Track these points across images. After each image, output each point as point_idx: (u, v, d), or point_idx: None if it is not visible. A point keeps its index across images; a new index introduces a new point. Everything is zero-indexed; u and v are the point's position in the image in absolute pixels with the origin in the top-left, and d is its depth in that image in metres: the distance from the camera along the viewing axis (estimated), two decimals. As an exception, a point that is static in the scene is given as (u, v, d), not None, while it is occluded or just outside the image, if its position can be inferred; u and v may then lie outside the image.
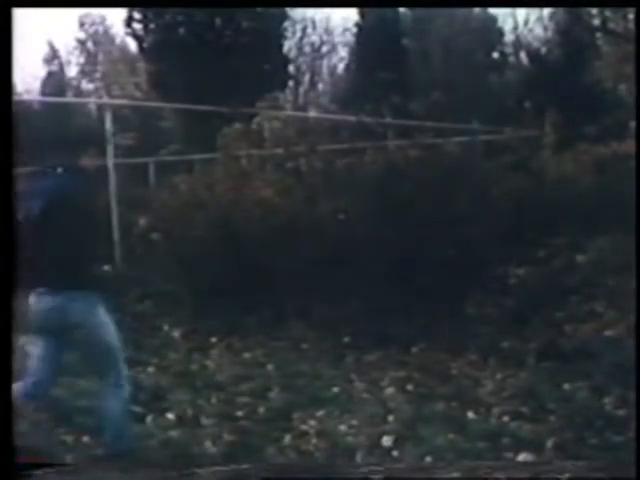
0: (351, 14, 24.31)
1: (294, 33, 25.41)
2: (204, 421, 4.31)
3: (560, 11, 19.19)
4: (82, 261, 3.58)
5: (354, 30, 24.18)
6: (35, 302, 3.54)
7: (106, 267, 4.02)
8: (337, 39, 27.15)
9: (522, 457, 3.66)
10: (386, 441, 3.96)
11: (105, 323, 3.61)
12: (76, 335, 3.56)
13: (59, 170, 3.69)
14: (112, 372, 3.67)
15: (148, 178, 10.62)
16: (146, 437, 4.04)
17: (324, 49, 27.49)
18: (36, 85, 27.17)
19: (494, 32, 24.57)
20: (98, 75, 29.17)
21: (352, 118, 7.88)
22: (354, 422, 4.22)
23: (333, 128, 8.55)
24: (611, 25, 12.77)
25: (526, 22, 24.64)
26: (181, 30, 16.56)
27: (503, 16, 24.48)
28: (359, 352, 5.34)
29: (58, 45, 29.20)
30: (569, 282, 5.89)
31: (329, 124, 9.45)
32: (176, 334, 5.91)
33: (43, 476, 1.93)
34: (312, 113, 16.74)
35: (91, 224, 3.74)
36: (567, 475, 1.78)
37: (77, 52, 29.77)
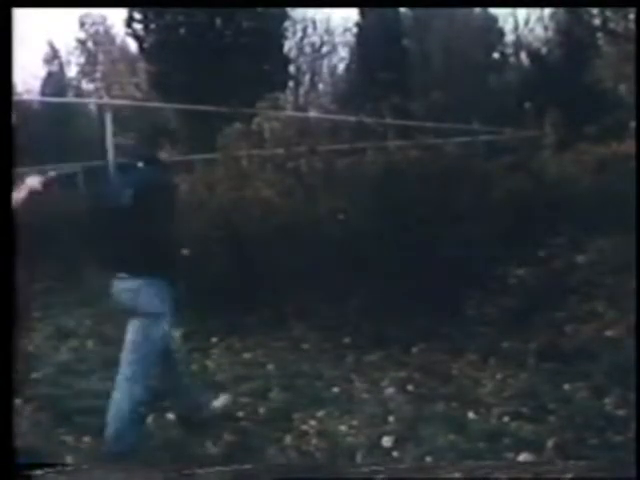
0: (351, 14, 24.36)
1: (294, 33, 25.42)
2: (204, 421, 4.31)
3: (561, 11, 19.21)
4: (167, 247, 3.81)
5: (354, 30, 24.19)
6: (115, 285, 3.83)
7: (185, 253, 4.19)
8: (337, 39, 27.17)
9: (522, 457, 3.66)
10: (386, 441, 3.96)
11: (164, 314, 3.83)
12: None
13: (141, 163, 3.94)
14: (154, 363, 3.85)
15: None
16: (146, 437, 4.04)
17: (324, 49, 27.50)
18: (36, 85, 27.18)
19: (494, 32, 24.57)
20: (98, 75, 29.17)
21: (352, 118, 7.87)
22: (354, 422, 4.23)
23: (333, 128, 8.54)
24: (611, 25, 12.77)
25: (527, 22, 24.65)
26: (181, 30, 16.57)
27: (503, 16, 24.49)
28: (359, 352, 5.34)
29: (58, 45, 29.22)
30: (569, 282, 5.89)
31: (329, 124, 9.44)
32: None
33: (43, 476, 1.93)
34: (312, 113, 16.73)
35: (173, 213, 3.95)
36: (569, 475, 1.78)
37: (77, 52, 29.77)
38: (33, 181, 3.72)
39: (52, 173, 3.92)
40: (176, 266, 3.90)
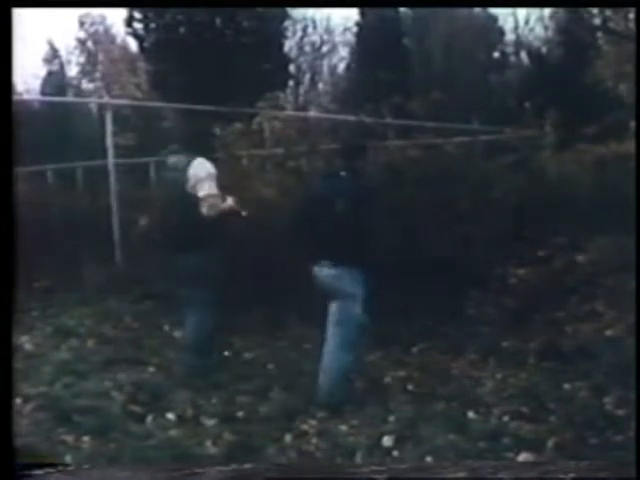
0: (351, 14, 24.38)
1: (294, 33, 25.45)
2: (204, 421, 4.31)
3: (561, 11, 19.20)
4: (362, 240, 4.47)
5: (354, 30, 24.21)
6: (318, 271, 4.55)
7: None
8: (337, 39, 27.20)
9: (522, 457, 3.66)
10: (386, 441, 3.96)
11: (358, 295, 4.47)
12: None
13: (343, 173, 4.70)
14: (355, 337, 4.50)
15: (148, 178, 10.62)
16: (146, 437, 4.04)
17: (324, 49, 27.52)
18: (36, 85, 27.20)
19: (495, 32, 24.60)
20: (98, 75, 29.18)
21: (352, 118, 7.87)
22: (354, 422, 4.22)
23: (333, 128, 8.54)
24: (612, 25, 12.75)
25: (527, 22, 24.69)
26: (181, 30, 16.56)
27: (504, 16, 24.54)
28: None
29: (58, 45, 29.25)
30: (569, 282, 5.89)
31: (329, 124, 9.45)
32: (176, 334, 5.91)
33: (43, 476, 1.93)
34: (312, 113, 16.75)
35: (367, 212, 4.56)
36: (571, 475, 1.78)
37: (77, 52, 29.79)
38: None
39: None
40: (369, 256, 4.50)
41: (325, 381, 4.51)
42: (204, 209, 4.70)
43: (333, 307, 4.54)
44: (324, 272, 4.55)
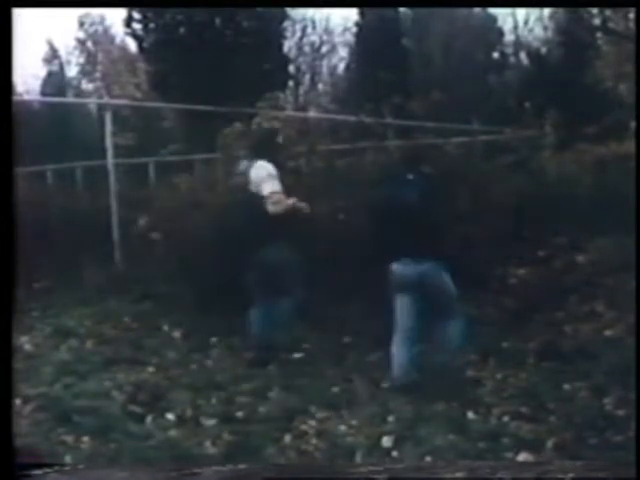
0: (351, 14, 24.38)
1: (294, 33, 25.47)
2: (204, 421, 4.31)
3: (560, 11, 19.21)
4: (436, 238, 4.85)
5: (354, 30, 24.22)
6: (397, 268, 4.82)
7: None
8: (337, 39, 27.23)
9: (522, 457, 3.66)
10: (386, 441, 3.96)
11: (448, 283, 4.79)
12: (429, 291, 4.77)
13: (410, 176, 5.00)
14: (450, 318, 4.79)
15: (148, 178, 10.63)
16: (146, 437, 4.04)
17: (324, 49, 27.54)
18: (36, 85, 27.21)
19: (494, 32, 24.62)
20: (98, 75, 29.19)
21: (352, 118, 7.87)
22: (354, 422, 4.22)
23: (333, 128, 8.54)
24: (611, 25, 12.75)
25: (526, 22, 24.71)
26: (181, 30, 16.56)
27: (503, 16, 24.57)
28: (359, 352, 5.34)
29: (58, 45, 29.28)
30: (569, 282, 5.89)
31: (329, 124, 9.45)
32: (176, 334, 5.91)
33: (43, 476, 1.93)
34: (312, 113, 16.77)
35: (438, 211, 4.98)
36: (571, 475, 1.78)
37: (77, 52, 29.80)
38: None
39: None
40: (443, 252, 4.80)
41: (397, 364, 4.75)
42: (269, 206, 4.98)
43: (405, 299, 4.81)
44: (403, 268, 4.82)
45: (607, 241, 6.21)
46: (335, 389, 4.79)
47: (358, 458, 3.80)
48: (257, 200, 5.07)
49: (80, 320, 6.26)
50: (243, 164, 5.40)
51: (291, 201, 5.11)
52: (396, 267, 4.85)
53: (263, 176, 5.07)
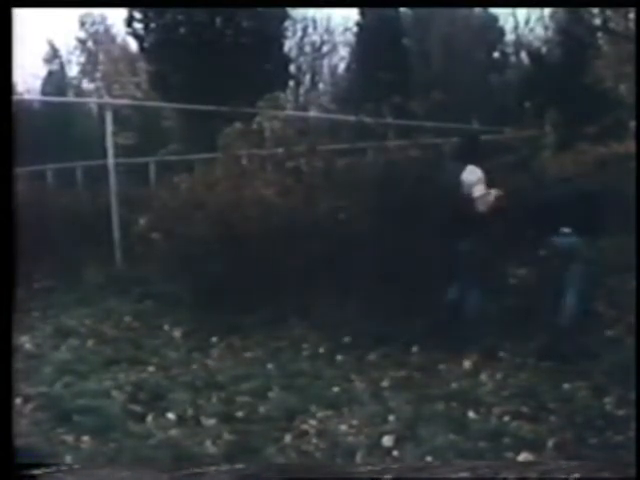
0: (352, 14, 24.36)
1: (294, 33, 25.44)
2: (204, 421, 4.31)
3: (561, 11, 19.20)
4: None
5: (355, 30, 24.20)
6: (557, 239, 5.45)
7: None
8: (338, 39, 27.20)
9: (522, 457, 3.66)
10: (386, 441, 3.96)
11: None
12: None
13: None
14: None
15: (148, 178, 10.63)
16: (146, 437, 4.04)
17: (324, 49, 27.51)
18: (36, 85, 27.21)
19: (495, 32, 24.60)
20: (99, 75, 29.18)
21: (352, 118, 7.86)
22: (354, 422, 4.22)
23: (333, 128, 8.54)
24: (612, 25, 12.75)
25: (527, 22, 24.69)
26: (181, 30, 16.56)
27: (504, 16, 24.53)
28: (359, 352, 5.34)
29: (58, 45, 29.27)
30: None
31: (329, 124, 9.46)
32: (176, 334, 5.91)
33: (43, 476, 1.93)
34: (312, 113, 16.77)
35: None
36: (571, 475, 1.78)
37: (78, 52, 29.80)
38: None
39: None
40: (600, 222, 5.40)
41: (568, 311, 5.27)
42: (480, 206, 5.52)
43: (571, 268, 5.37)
44: (563, 238, 5.40)
45: (607, 241, 6.20)
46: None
47: (358, 458, 3.80)
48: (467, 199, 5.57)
49: (80, 320, 6.27)
50: (451, 165, 5.91)
51: (493, 198, 5.62)
52: (555, 239, 5.52)
53: (474, 180, 5.60)
